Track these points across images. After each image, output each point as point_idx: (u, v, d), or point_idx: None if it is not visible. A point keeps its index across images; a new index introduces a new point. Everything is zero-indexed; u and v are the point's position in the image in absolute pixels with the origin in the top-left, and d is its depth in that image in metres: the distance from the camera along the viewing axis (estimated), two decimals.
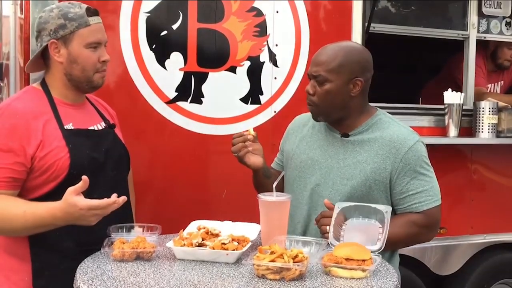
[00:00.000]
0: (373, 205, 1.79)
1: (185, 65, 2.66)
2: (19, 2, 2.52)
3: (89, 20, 1.88)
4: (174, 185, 2.68)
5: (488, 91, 3.96)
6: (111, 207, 1.67)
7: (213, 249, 1.66)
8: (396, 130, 1.93)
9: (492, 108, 3.29)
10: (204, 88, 2.70)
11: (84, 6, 1.91)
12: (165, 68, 2.64)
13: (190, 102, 2.68)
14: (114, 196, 1.67)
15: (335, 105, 1.92)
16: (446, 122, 3.23)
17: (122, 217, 1.90)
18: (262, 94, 2.80)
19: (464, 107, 3.29)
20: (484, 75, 3.91)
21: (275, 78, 2.82)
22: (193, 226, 1.92)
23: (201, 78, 2.70)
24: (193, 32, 2.66)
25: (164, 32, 2.63)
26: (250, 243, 1.74)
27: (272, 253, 1.55)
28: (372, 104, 2.05)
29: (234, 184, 2.70)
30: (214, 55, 2.71)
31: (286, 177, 2.08)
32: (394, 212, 1.93)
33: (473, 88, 3.50)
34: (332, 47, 1.94)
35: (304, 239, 1.76)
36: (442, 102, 3.24)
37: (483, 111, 3.29)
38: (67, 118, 1.89)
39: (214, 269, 1.60)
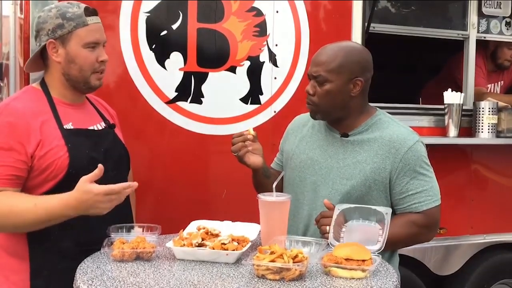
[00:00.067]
0: (373, 207, 1.79)
1: (185, 65, 2.66)
2: (19, 2, 2.52)
3: (87, 20, 1.87)
4: (174, 185, 2.68)
5: (488, 91, 3.96)
6: (126, 192, 1.68)
7: (213, 249, 1.66)
8: (395, 130, 1.93)
9: (492, 108, 3.29)
10: (204, 88, 2.70)
11: (83, 6, 1.90)
12: (165, 68, 2.64)
13: (190, 102, 2.68)
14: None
15: (335, 105, 1.92)
16: (446, 122, 3.23)
17: (122, 218, 1.90)
18: (262, 94, 2.80)
19: (464, 107, 3.29)
20: (484, 75, 3.91)
21: (275, 78, 2.82)
22: (193, 226, 1.92)
23: (201, 78, 2.69)
24: (193, 32, 2.66)
25: (164, 32, 2.63)
26: (250, 243, 1.74)
27: (272, 253, 1.55)
28: (372, 104, 2.05)
29: (234, 184, 2.70)
30: (214, 55, 2.71)
31: (285, 177, 2.08)
32: (393, 212, 1.93)
33: (473, 88, 3.50)
34: (332, 47, 1.94)
35: (304, 239, 1.76)
36: (442, 102, 3.24)
37: (483, 111, 3.29)
38: (67, 118, 1.89)
39: (214, 269, 1.60)
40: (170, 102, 2.65)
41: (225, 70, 2.73)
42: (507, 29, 3.64)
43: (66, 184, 1.74)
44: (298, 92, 2.81)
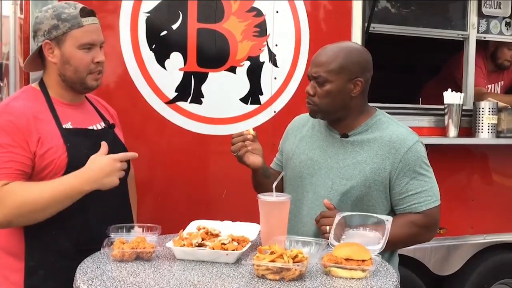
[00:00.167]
0: (374, 215, 1.79)
1: (185, 65, 2.66)
2: (19, 2, 2.52)
3: (82, 21, 1.85)
4: (174, 185, 2.67)
5: (488, 91, 3.96)
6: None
7: (213, 249, 1.66)
8: (395, 131, 1.93)
9: (492, 108, 3.29)
10: (204, 88, 2.70)
11: (80, 6, 1.88)
12: (165, 68, 2.64)
13: (190, 102, 2.68)
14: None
15: (336, 106, 1.92)
16: (446, 122, 3.23)
17: (121, 218, 1.90)
18: (262, 94, 2.80)
19: (464, 107, 3.29)
20: (484, 75, 3.91)
21: (275, 78, 2.82)
22: (193, 226, 1.92)
23: (201, 78, 2.69)
24: (193, 32, 2.66)
25: (164, 32, 2.63)
26: (250, 243, 1.74)
27: (272, 253, 1.55)
28: (372, 104, 2.05)
29: (234, 184, 2.70)
30: (214, 55, 2.71)
31: (285, 177, 2.08)
32: (393, 213, 1.93)
33: (473, 88, 3.50)
34: (332, 48, 1.94)
35: (304, 239, 1.76)
36: (442, 102, 3.24)
37: (482, 111, 3.29)
38: (66, 117, 1.89)
39: (214, 269, 1.60)
40: (170, 102, 2.65)
41: (225, 70, 2.73)
42: (507, 29, 3.64)
43: None
44: (298, 92, 2.81)
